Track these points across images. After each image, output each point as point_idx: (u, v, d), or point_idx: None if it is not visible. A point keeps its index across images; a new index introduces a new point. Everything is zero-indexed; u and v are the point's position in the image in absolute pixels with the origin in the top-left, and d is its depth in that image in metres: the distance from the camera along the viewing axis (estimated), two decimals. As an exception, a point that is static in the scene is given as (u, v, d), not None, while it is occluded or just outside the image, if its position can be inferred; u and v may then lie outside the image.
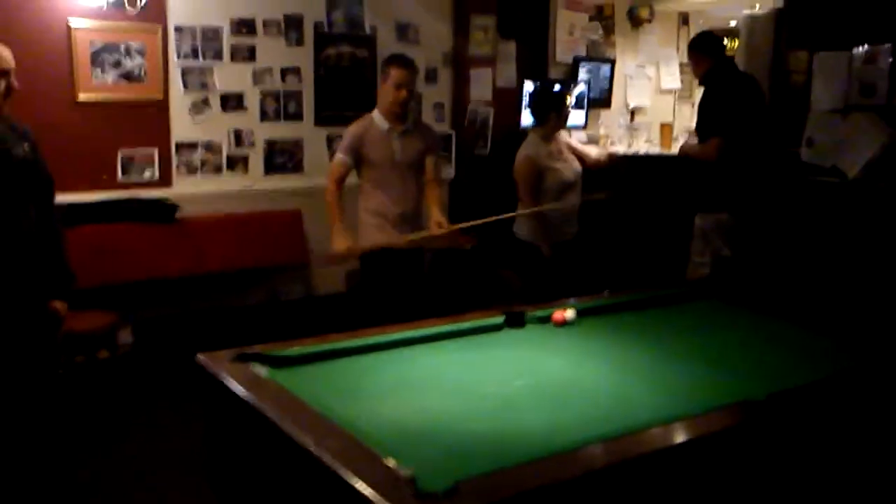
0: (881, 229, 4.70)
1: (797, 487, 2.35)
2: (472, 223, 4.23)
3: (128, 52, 5.14)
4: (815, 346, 2.93)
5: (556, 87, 6.08)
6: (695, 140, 5.19)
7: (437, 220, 4.16)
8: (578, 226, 4.81)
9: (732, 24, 7.46)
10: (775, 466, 2.28)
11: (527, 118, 6.80)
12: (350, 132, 4.27)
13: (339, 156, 4.25)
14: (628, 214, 5.98)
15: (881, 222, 4.71)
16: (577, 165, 4.76)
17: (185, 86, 5.42)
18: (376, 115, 4.26)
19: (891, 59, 4.65)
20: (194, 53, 5.41)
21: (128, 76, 5.17)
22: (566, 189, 4.69)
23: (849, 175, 4.85)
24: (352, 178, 4.34)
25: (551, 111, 4.67)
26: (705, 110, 4.91)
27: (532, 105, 4.87)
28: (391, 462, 1.82)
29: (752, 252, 4.87)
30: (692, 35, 8.12)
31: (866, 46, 4.75)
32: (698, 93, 8.15)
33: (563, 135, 4.86)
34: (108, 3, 5.03)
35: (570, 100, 5.02)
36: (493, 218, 4.31)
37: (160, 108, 5.35)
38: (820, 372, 2.59)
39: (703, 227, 4.90)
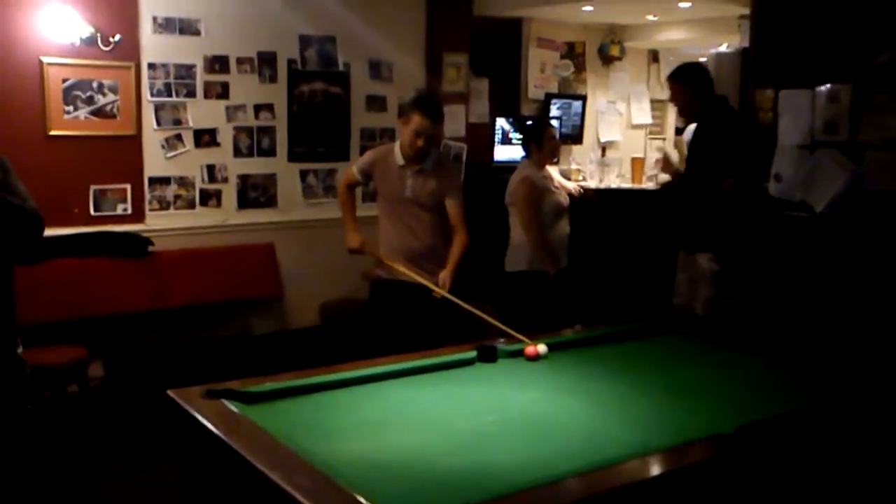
0: (847, 264, 4.78)
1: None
2: (458, 302, 3.89)
3: (100, 89, 5.16)
4: (783, 380, 2.96)
5: (536, 121, 6.25)
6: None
7: (442, 276, 4.07)
8: (569, 259, 4.97)
9: (702, 60, 7.62)
10: (746, 500, 2.30)
11: (499, 153, 6.91)
12: (368, 155, 4.38)
13: (354, 168, 4.38)
14: (606, 247, 6.03)
15: (847, 257, 4.78)
16: (567, 198, 4.91)
17: (158, 122, 5.43)
18: (397, 147, 4.20)
19: (851, 98, 4.75)
20: (167, 90, 5.43)
21: (100, 112, 5.18)
22: (561, 214, 4.87)
23: (816, 209, 4.93)
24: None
25: (531, 142, 4.90)
26: (720, 150, 4.64)
27: (522, 138, 5.17)
28: (361, 499, 1.82)
29: (748, 295, 4.78)
30: (662, 71, 8.31)
31: (829, 85, 4.86)
32: (670, 128, 8.28)
33: (550, 169, 5.02)
34: (80, 40, 5.05)
35: (554, 132, 5.05)
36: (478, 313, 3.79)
37: (133, 144, 5.36)
38: (787, 405, 2.62)
39: (712, 269, 4.66)
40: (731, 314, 4.63)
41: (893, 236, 4.56)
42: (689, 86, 4.77)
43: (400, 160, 4.16)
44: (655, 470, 2.15)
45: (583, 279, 5.39)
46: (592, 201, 5.21)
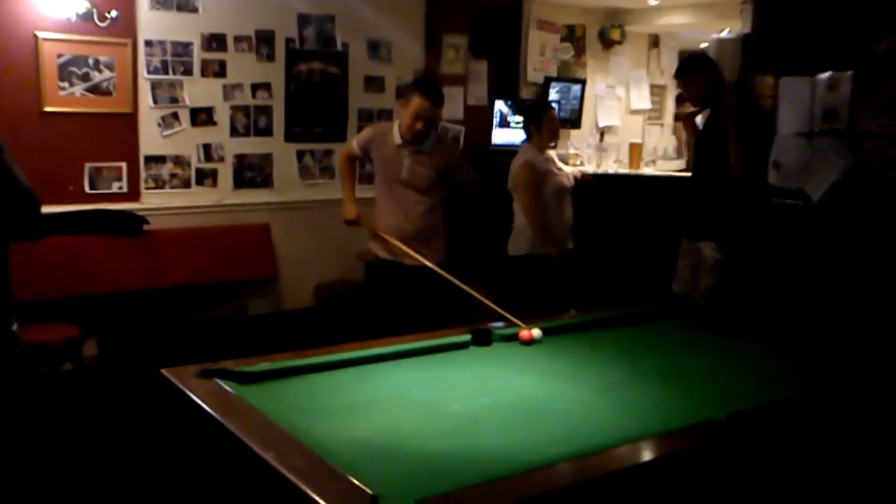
0: (844, 252, 4.78)
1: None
2: (456, 282, 3.90)
3: (96, 66, 5.12)
4: (778, 367, 2.97)
5: (537, 104, 6.23)
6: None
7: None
8: (574, 241, 4.97)
9: (703, 45, 7.59)
10: (737, 485, 2.30)
11: (498, 136, 6.89)
12: (368, 131, 4.38)
13: (354, 142, 4.40)
14: (604, 232, 6.02)
15: (844, 245, 4.79)
16: (570, 177, 4.93)
17: (155, 100, 5.39)
18: (395, 127, 4.18)
19: (852, 86, 4.74)
20: (164, 68, 5.39)
21: (96, 89, 5.14)
22: (564, 195, 4.87)
23: (813, 198, 4.93)
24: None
25: (531, 124, 4.88)
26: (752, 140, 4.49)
27: (523, 121, 5.10)
28: (354, 480, 1.82)
29: (746, 283, 4.75)
30: (663, 56, 8.28)
31: (829, 73, 4.84)
32: (669, 114, 8.24)
33: (551, 152, 5.02)
34: (76, 15, 5.00)
35: (554, 114, 5.01)
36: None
37: (129, 122, 5.32)
38: (781, 392, 2.62)
39: (714, 258, 4.57)
40: (730, 303, 4.61)
41: (892, 225, 4.57)
42: (708, 74, 4.59)
43: (398, 140, 4.14)
44: (648, 455, 2.15)
45: (584, 262, 5.39)
46: (591, 186, 5.20)
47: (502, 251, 4.97)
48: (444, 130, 6.64)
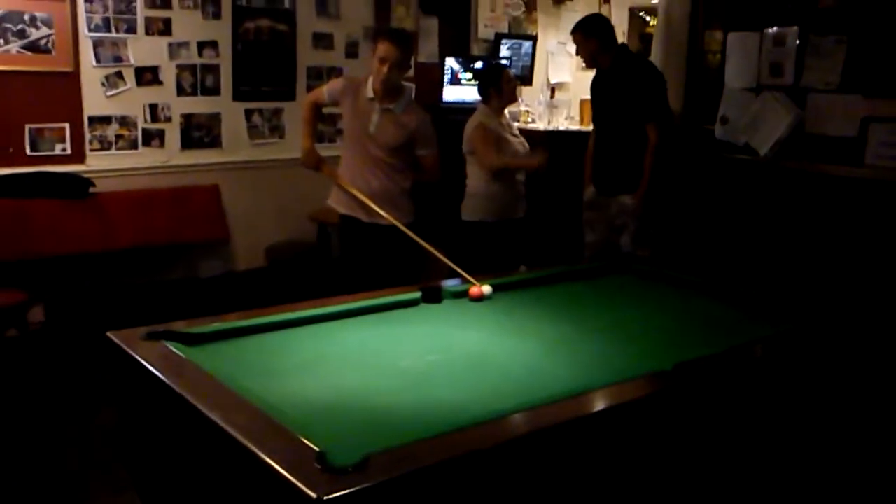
0: (789, 205, 4.87)
1: (705, 455, 2.43)
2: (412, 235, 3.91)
3: (33, 22, 4.94)
4: (728, 320, 3.01)
5: (492, 65, 6.14)
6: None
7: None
8: (527, 205, 4.87)
9: (654, 1, 7.58)
10: (683, 435, 2.35)
11: (449, 94, 6.84)
12: (340, 81, 4.32)
13: (324, 88, 4.31)
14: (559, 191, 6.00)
15: (789, 198, 4.87)
16: (525, 143, 4.82)
17: (98, 59, 5.24)
18: (370, 80, 4.07)
19: (797, 42, 4.79)
20: (106, 25, 5.24)
21: (34, 47, 4.97)
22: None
23: (760, 152, 4.99)
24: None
25: (490, 87, 4.73)
26: (637, 95, 4.61)
27: (478, 83, 4.95)
28: (301, 437, 1.82)
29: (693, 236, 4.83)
30: (614, 13, 8.27)
31: (776, 28, 4.88)
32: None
33: (509, 117, 4.92)
34: (9, -31, 4.83)
35: (511, 73, 4.92)
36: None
37: (71, 81, 5.17)
38: (728, 343, 2.67)
39: (634, 205, 4.67)
40: (663, 246, 4.71)
41: (832, 180, 4.66)
42: (594, 37, 4.70)
43: (370, 93, 4.07)
44: (595, 406, 2.18)
45: (538, 224, 5.36)
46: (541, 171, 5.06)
47: (452, 214, 4.88)
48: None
